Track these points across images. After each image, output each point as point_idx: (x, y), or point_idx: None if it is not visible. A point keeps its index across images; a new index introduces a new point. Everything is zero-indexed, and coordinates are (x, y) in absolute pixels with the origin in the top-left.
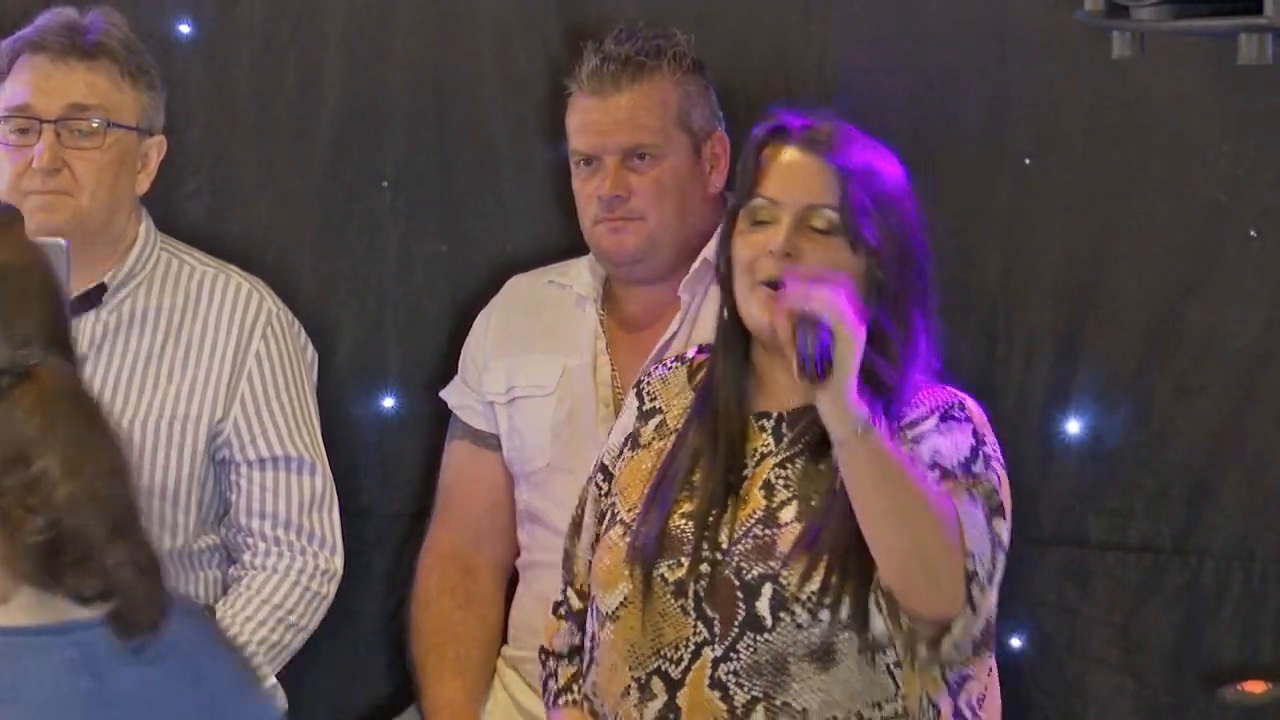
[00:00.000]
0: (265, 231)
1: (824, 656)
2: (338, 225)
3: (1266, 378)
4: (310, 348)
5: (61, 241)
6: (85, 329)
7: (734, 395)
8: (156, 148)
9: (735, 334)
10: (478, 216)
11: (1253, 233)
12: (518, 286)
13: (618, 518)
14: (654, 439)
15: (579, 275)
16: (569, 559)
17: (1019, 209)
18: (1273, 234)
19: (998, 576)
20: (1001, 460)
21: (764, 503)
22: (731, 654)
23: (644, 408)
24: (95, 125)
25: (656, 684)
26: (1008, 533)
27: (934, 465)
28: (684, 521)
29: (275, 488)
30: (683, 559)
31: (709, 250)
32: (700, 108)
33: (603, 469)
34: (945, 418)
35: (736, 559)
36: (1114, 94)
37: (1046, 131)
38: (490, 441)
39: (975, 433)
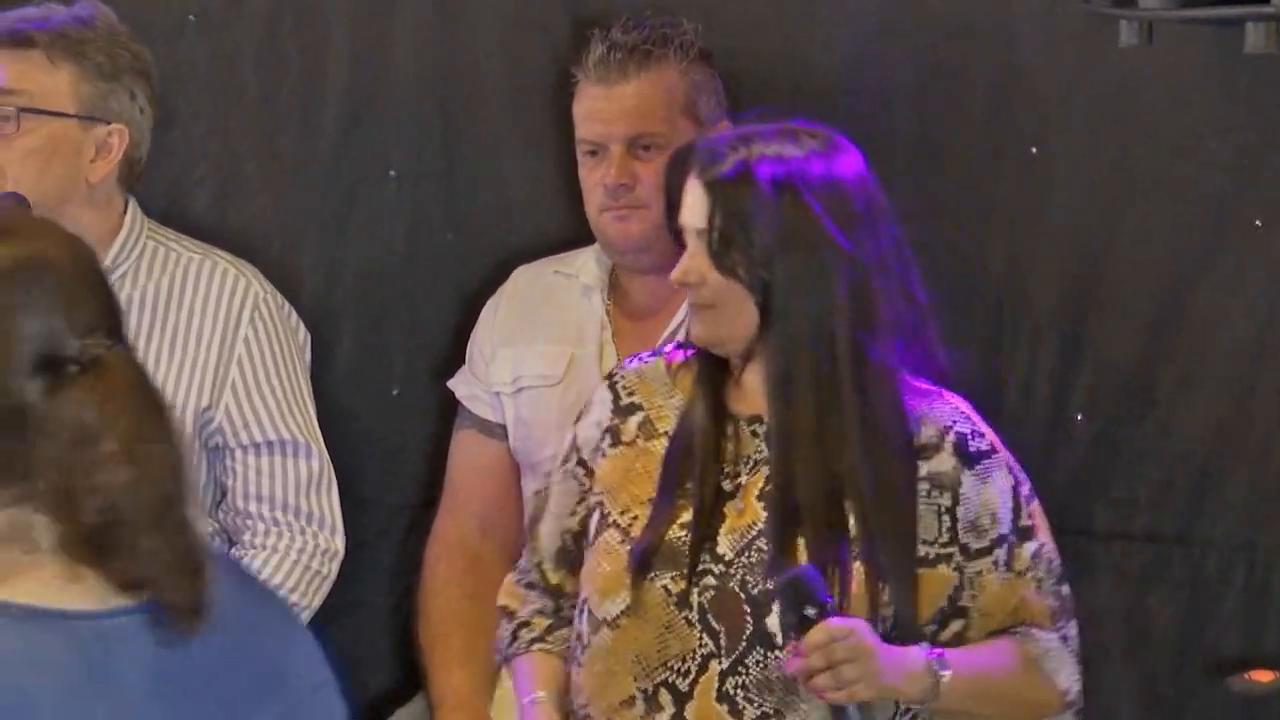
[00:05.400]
0: (271, 222)
1: None
2: (343, 215)
3: (1271, 368)
4: (303, 329)
5: None
6: None
7: (713, 403)
8: (117, 135)
9: None
10: (483, 206)
11: (1258, 222)
12: (524, 276)
13: (609, 519)
14: (638, 437)
15: (585, 265)
16: (534, 539)
17: (1024, 199)
18: (1278, 224)
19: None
20: (1026, 479)
21: (764, 514)
22: (740, 667)
23: (620, 402)
24: (8, 111)
25: (664, 696)
26: (1059, 561)
27: (985, 540)
28: (682, 532)
29: (271, 471)
30: (685, 570)
31: None
32: (707, 97)
33: (580, 462)
34: (967, 458)
35: (741, 572)
36: (1120, 83)
37: (1052, 121)
38: (497, 431)
39: (1009, 469)
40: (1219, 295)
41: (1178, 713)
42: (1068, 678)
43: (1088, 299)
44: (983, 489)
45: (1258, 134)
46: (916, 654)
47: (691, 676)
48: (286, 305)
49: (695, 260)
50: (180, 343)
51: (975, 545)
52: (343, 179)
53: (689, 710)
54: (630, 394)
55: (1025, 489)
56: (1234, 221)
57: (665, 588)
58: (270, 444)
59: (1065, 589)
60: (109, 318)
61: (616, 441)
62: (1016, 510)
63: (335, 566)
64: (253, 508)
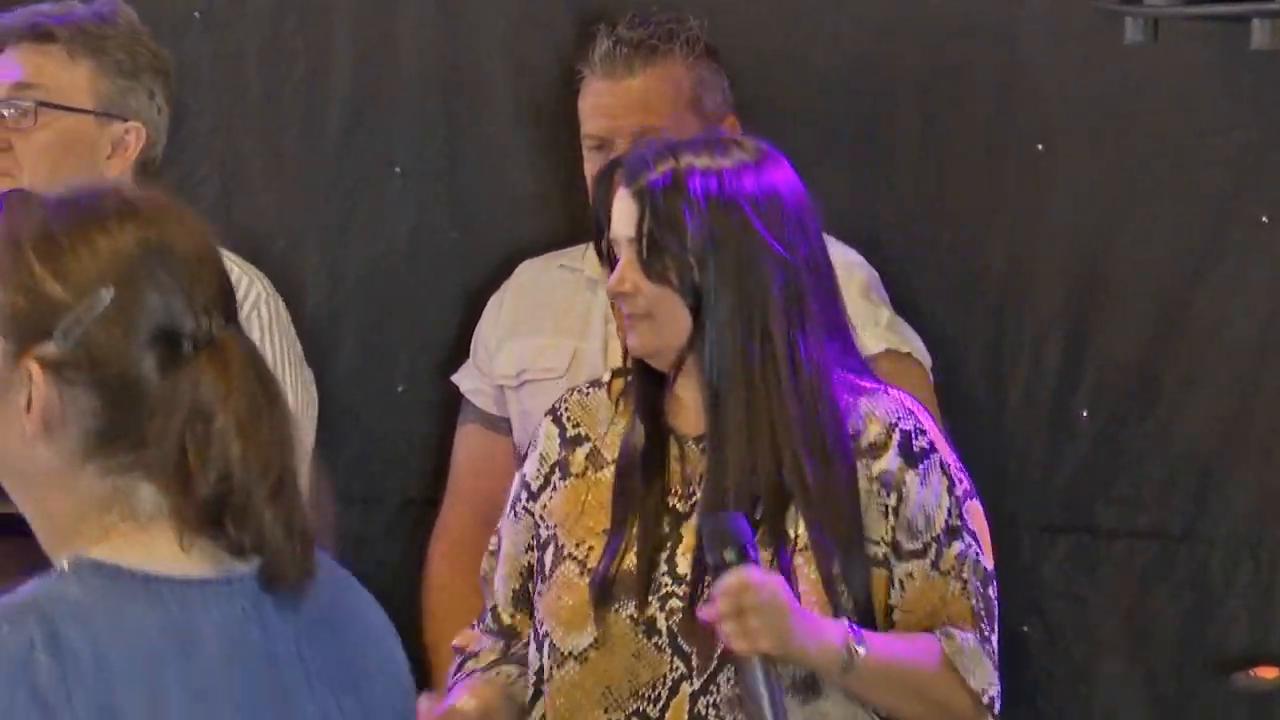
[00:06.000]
0: (274, 220)
1: (807, 689)
2: (347, 213)
3: (1275, 365)
4: (307, 368)
5: None
6: None
7: (653, 423)
8: (134, 133)
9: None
10: (487, 204)
11: (1264, 219)
12: (529, 270)
13: (564, 552)
14: (587, 469)
15: (590, 259)
16: (487, 583)
17: (1028, 197)
18: None
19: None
20: (965, 476)
21: None
22: (711, 686)
23: (566, 434)
24: (26, 105)
25: None
26: (990, 560)
27: (918, 543)
28: (643, 558)
29: None
30: (649, 596)
31: None
32: (712, 92)
33: (531, 496)
34: (910, 457)
35: (707, 591)
36: (1125, 81)
37: (1056, 119)
38: (501, 425)
39: (943, 467)
40: (1223, 293)
41: (1181, 711)
42: (982, 679)
43: (1091, 297)
44: (922, 490)
45: (1263, 131)
46: (835, 626)
47: (662, 702)
48: (287, 314)
49: (628, 270)
50: None
51: (907, 546)
52: (346, 177)
53: None
54: (575, 425)
55: (962, 489)
56: (1239, 219)
57: (631, 617)
58: None
59: (992, 592)
60: (224, 299)
61: (566, 474)
62: (950, 511)
63: None
64: None
